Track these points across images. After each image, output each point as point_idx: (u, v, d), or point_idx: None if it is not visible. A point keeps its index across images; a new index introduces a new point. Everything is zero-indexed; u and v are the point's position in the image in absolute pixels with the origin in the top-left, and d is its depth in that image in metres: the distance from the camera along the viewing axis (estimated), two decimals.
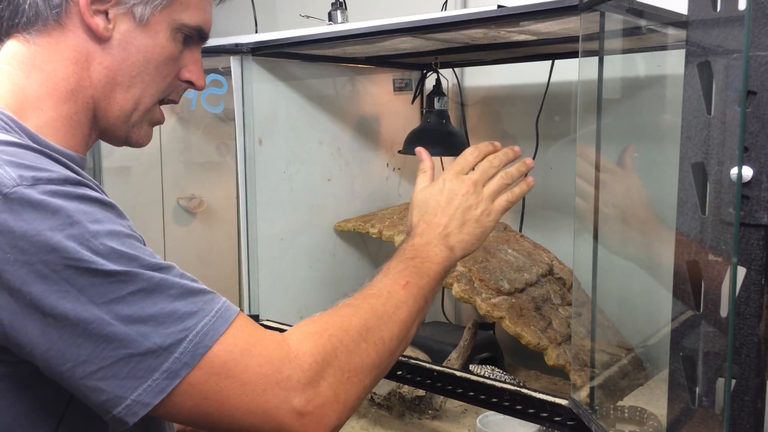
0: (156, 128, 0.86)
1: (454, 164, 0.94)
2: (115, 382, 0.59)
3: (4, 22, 0.75)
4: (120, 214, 0.66)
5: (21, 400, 0.65)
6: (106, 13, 0.74)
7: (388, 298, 0.78)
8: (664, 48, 1.11)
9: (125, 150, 1.86)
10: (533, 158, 1.62)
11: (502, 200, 0.93)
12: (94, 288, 0.59)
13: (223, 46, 1.37)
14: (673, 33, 1.01)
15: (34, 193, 0.59)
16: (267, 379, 0.64)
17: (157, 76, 0.79)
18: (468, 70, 1.77)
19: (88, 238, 0.60)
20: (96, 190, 0.66)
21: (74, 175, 0.64)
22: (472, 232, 0.90)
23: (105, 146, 1.79)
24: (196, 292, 0.64)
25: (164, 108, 0.84)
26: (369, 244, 1.68)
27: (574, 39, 1.21)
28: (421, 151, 1.00)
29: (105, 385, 0.59)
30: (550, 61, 1.53)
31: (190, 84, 0.84)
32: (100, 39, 0.75)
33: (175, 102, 0.85)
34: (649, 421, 1.07)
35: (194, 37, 0.81)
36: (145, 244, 0.67)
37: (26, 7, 0.74)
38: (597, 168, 0.95)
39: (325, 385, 0.66)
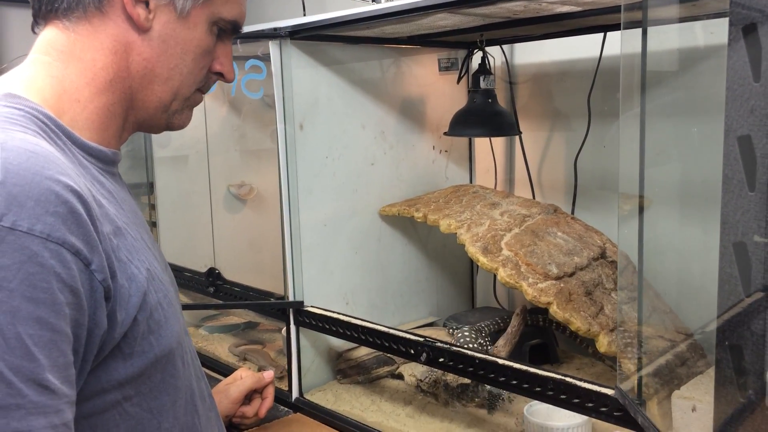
0: (205, 117, 0.85)
1: None
2: None
3: (43, 6, 0.75)
4: (77, 306, 0.58)
5: None
6: (146, 3, 0.74)
7: None
8: (717, 15, 1.03)
9: (179, 140, 1.89)
10: (585, 136, 1.56)
11: None
12: None
13: (262, 30, 1.36)
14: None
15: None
16: None
17: (194, 68, 0.79)
18: (518, 47, 1.70)
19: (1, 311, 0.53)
20: (81, 251, 0.58)
21: (69, 230, 0.58)
22: None
23: (157, 135, 1.82)
24: None
25: (215, 95, 0.82)
26: (417, 229, 1.65)
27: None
28: None
29: None
30: (602, 34, 1.46)
31: (220, 76, 0.83)
32: (141, 30, 0.75)
33: (204, 93, 0.84)
34: None
35: (228, 30, 0.81)
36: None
37: None
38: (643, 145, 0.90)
39: None
